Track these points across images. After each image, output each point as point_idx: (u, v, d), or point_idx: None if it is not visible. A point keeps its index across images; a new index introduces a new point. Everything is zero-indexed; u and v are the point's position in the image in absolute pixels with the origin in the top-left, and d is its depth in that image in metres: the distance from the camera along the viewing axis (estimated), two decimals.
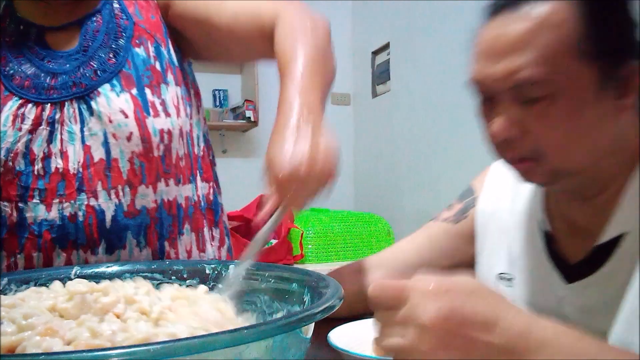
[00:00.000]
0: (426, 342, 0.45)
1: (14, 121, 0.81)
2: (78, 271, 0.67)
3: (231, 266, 0.67)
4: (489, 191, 0.88)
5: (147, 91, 0.85)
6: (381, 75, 3.21)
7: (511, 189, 0.84)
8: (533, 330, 0.47)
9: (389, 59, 3.10)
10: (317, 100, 0.69)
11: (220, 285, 0.64)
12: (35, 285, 0.63)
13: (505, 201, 0.84)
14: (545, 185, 0.72)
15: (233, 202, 2.62)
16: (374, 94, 3.31)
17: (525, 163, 0.67)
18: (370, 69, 3.33)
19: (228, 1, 0.88)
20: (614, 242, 0.67)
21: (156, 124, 0.84)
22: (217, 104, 3.36)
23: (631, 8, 0.66)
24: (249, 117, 3.19)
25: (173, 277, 0.68)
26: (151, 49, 0.88)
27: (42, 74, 0.84)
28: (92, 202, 0.80)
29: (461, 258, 0.90)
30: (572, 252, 0.73)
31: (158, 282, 0.67)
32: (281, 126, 0.65)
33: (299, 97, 0.68)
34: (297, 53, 0.74)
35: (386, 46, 3.14)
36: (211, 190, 0.96)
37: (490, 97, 0.68)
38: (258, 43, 0.85)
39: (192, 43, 0.94)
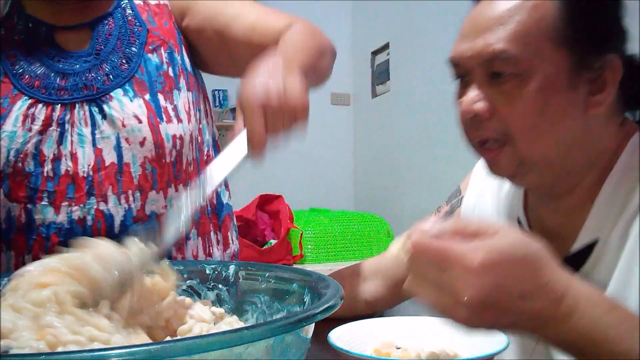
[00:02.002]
0: (461, 313, 0.46)
1: (24, 121, 0.80)
2: None
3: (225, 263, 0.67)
4: (472, 188, 0.88)
5: (160, 97, 0.84)
6: (381, 75, 3.21)
7: (493, 184, 0.84)
8: (565, 299, 0.47)
9: (389, 59, 3.10)
10: (296, 60, 0.70)
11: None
12: None
13: (487, 197, 0.84)
14: (512, 178, 0.70)
15: (232, 202, 2.61)
16: (374, 94, 3.30)
17: (492, 150, 0.67)
18: (370, 69, 3.33)
19: (245, 12, 0.89)
20: (588, 251, 0.66)
21: (169, 129, 0.83)
22: (217, 104, 3.35)
23: (619, 3, 0.65)
24: None
25: None
26: (164, 55, 0.88)
27: (52, 74, 0.83)
28: (102, 206, 0.80)
29: None
30: None
31: None
32: (256, 66, 0.67)
33: (280, 53, 0.71)
34: (289, 38, 0.77)
35: (386, 46, 3.14)
36: (214, 195, 0.96)
37: (466, 77, 0.67)
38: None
39: (203, 55, 0.94)
